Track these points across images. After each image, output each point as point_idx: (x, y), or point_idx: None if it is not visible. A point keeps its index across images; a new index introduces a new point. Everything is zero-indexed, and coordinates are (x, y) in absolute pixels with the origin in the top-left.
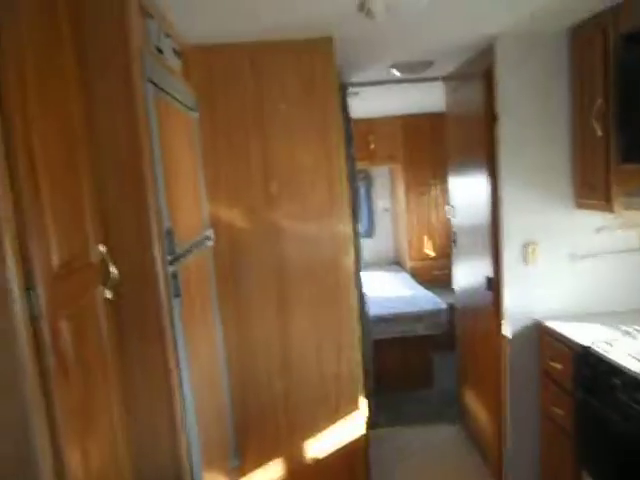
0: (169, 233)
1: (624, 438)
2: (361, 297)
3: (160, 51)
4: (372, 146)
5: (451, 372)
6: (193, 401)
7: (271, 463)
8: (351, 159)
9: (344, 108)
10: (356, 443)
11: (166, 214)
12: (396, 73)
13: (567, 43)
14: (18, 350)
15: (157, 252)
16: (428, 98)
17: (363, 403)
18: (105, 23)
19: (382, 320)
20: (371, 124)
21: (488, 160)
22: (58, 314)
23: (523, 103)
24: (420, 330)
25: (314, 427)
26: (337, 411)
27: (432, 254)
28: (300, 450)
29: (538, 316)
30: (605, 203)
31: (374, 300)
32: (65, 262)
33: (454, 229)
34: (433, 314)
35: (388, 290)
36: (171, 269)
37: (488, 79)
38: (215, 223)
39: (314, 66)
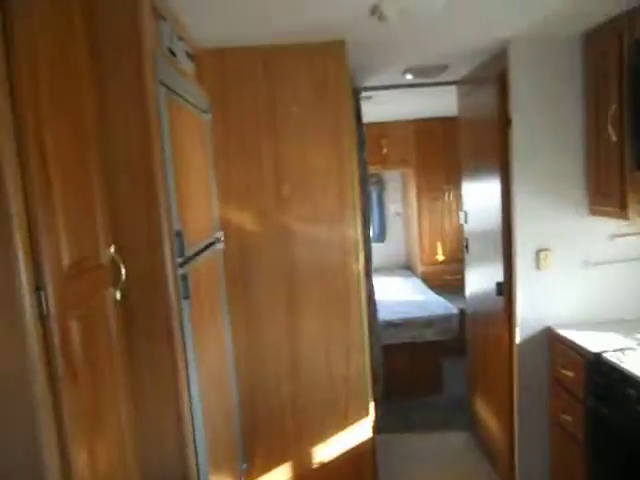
0: (179, 235)
1: (636, 447)
2: (372, 302)
3: (173, 54)
4: (385, 150)
5: (461, 378)
6: (201, 403)
7: (279, 466)
8: (363, 163)
9: (357, 112)
10: (364, 447)
11: (176, 216)
12: (410, 77)
13: (581, 48)
14: (27, 349)
15: (167, 254)
16: (440, 102)
17: (371, 407)
18: (118, 18)
19: (392, 325)
20: (384, 128)
21: (501, 165)
22: (68, 314)
23: (536, 107)
24: (430, 335)
25: (322, 430)
26: (345, 414)
27: (442, 258)
28: (308, 453)
29: (550, 323)
30: (620, 210)
31: (384, 304)
32: (75, 262)
33: (466, 235)
34: (444, 319)
35: (399, 295)
36: (181, 271)
37: (502, 83)
38: (226, 225)
39: (327, 70)
